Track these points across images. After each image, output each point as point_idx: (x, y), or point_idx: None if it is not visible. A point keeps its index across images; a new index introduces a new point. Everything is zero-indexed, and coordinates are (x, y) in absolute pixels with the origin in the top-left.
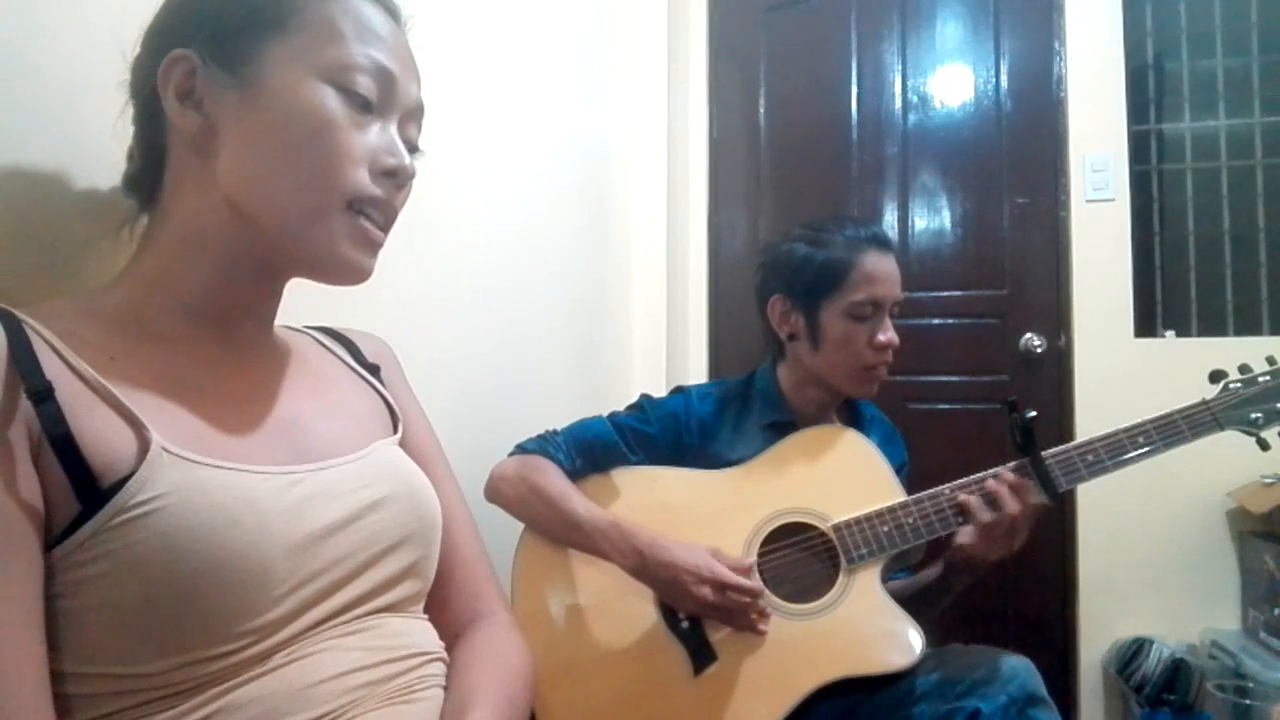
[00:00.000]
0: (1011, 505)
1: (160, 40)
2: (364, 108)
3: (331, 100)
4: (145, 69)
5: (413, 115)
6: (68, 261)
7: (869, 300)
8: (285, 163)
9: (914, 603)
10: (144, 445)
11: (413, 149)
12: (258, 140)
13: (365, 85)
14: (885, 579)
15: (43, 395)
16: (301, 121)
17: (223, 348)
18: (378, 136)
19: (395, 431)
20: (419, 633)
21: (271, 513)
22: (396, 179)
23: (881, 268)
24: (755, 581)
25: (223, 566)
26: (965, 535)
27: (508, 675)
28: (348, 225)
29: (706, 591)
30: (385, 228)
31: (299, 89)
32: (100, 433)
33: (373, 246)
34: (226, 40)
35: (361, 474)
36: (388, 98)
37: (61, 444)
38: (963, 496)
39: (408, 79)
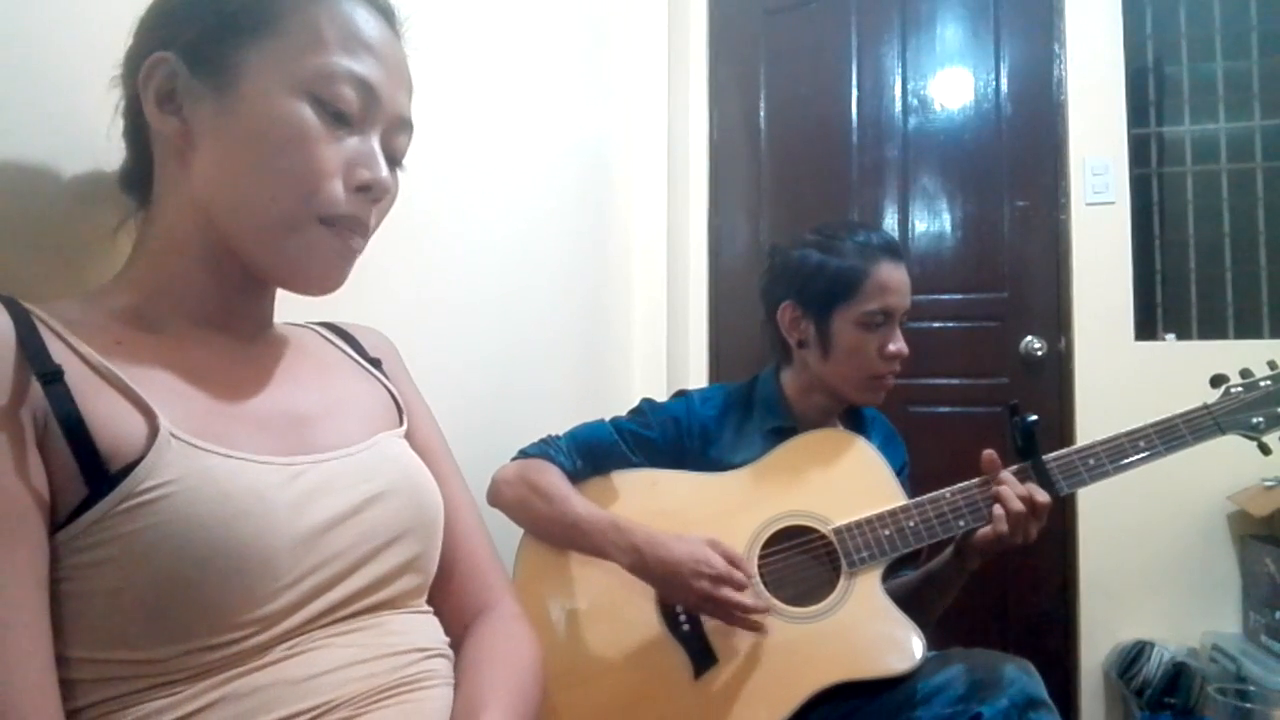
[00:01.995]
0: (1040, 495)
1: (147, 37)
2: (342, 120)
3: (306, 112)
4: (134, 63)
5: (399, 127)
6: (68, 262)
7: (881, 310)
8: (257, 174)
9: (927, 591)
10: (153, 430)
11: (395, 162)
12: (231, 149)
13: (345, 98)
14: (889, 580)
15: (52, 377)
16: (274, 133)
17: (227, 340)
18: (355, 150)
19: (401, 424)
20: (418, 629)
21: (277, 504)
22: (371, 193)
23: (894, 277)
24: (748, 574)
25: (228, 556)
26: (985, 528)
27: (518, 672)
28: (321, 237)
29: (705, 585)
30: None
31: (274, 99)
32: (109, 417)
33: (347, 258)
34: (207, 45)
35: (362, 467)
36: (369, 111)
37: (70, 426)
38: (996, 488)
39: (394, 90)
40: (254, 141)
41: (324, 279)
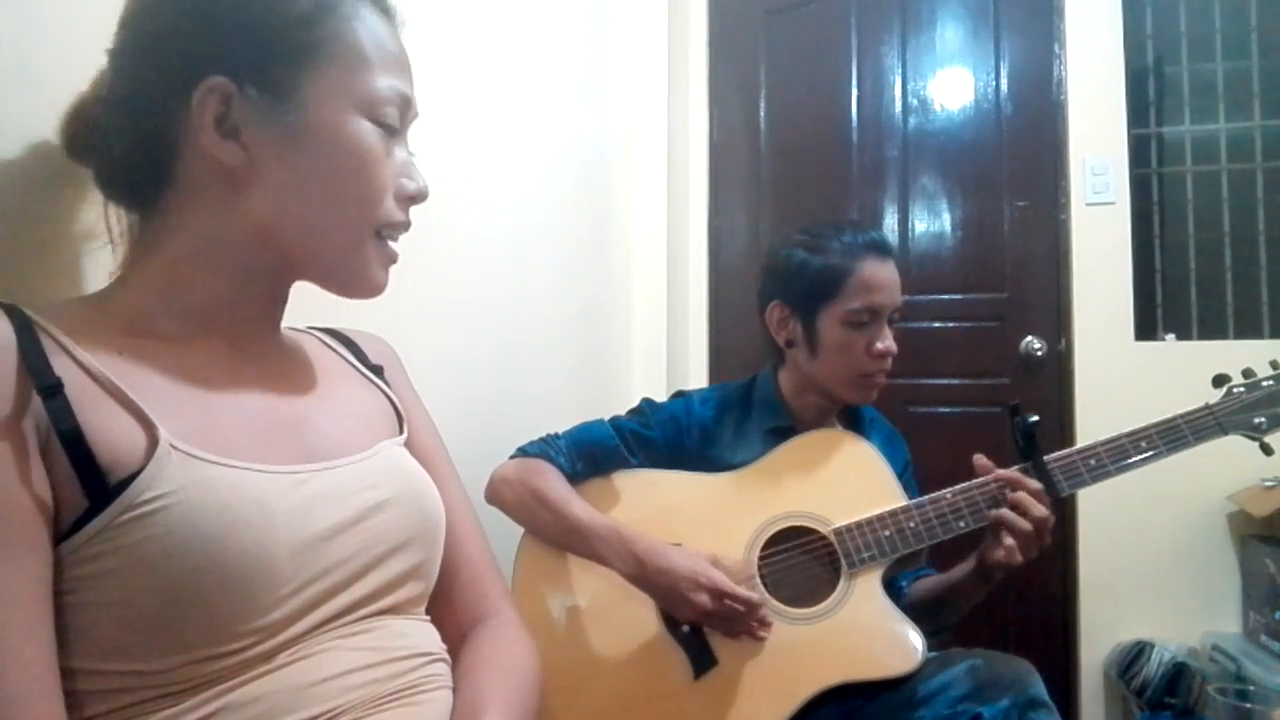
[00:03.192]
0: (1037, 510)
1: (177, 58)
2: (390, 135)
3: (370, 135)
4: (154, 76)
5: (414, 120)
6: (67, 263)
7: (866, 308)
8: (329, 199)
9: (948, 599)
10: (152, 442)
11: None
12: (302, 177)
13: (391, 115)
14: (905, 580)
15: (51, 390)
16: (347, 160)
17: (230, 347)
18: (400, 162)
19: (401, 432)
20: (420, 634)
21: (278, 512)
22: (416, 200)
23: (880, 275)
24: (754, 593)
25: (229, 565)
26: (998, 550)
27: (518, 676)
28: (379, 250)
29: (705, 599)
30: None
31: (342, 125)
32: (108, 429)
33: (392, 263)
34: (267, 71)
35: (367, 474)
36: (405, 121)
37: (70, 439)
38: (994, 513)
39: (414, 92)
40: (327, 167)
41: (376, 286)
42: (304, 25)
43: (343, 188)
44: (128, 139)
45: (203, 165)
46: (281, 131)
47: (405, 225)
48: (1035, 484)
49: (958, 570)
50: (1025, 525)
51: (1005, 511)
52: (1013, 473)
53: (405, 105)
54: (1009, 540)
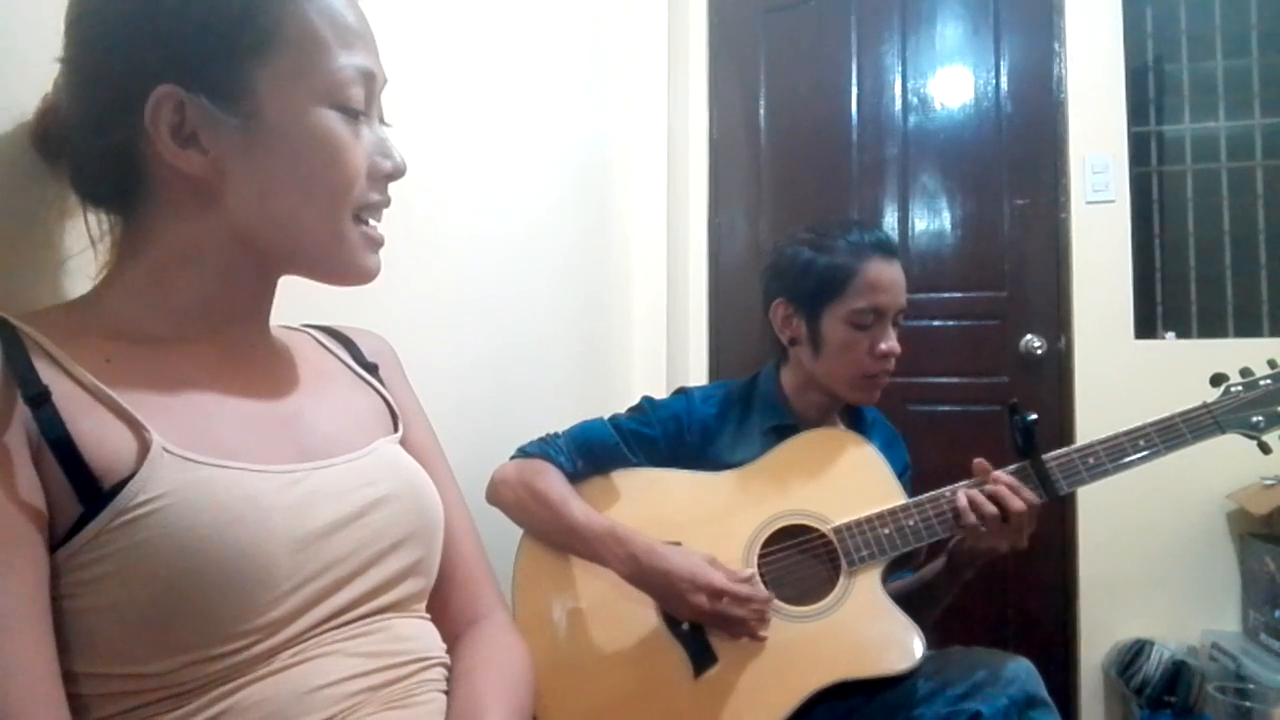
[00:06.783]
0: (1014, 503)
1: (122, 69)
2: (356, 118)
3: (335, 122)
4: (104, 90)
5: (382, 89)
6: (51, 267)
7: (870, 308)
8: (304, 194)
9: (920, 598)
10: (144, 446)
11: (383, 122)
12: (271, 176)
13: (356, 98)
14: (886, 581)
15: (39, 399)
16: (316, 152)
17: (220, 348)
18: (370, 141)
19: (396, 430)
20: (422, 636)
21: (273, 510)
22: (392, 178)
23: (885, 275)
24: (758, 589)
25: (226, 565)
26: (970, 532)
27: (513, 680)
28: (360, 235)
29: (702, 599)
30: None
31: (304, 118)
32: (99, 435)
33: (378, 246)
34: (215, 72)
35: (363, 472)
36: (372, 97)
37: (60, 447)
38: (963, 496)
39: (378, 64)
40: (294, 164)
41: (365, 271)
42: (247, 18)
43: (314, 181)
44: (91, 151)
45: (171, 173)
46: (241, 133)
47: (385, 204)
48: (1009, 478)
49: (929, 568)
50: (991, 508)
51: (973, 492)
52: (1002, 473)
53: (369, 80)
54: (972, 518)
